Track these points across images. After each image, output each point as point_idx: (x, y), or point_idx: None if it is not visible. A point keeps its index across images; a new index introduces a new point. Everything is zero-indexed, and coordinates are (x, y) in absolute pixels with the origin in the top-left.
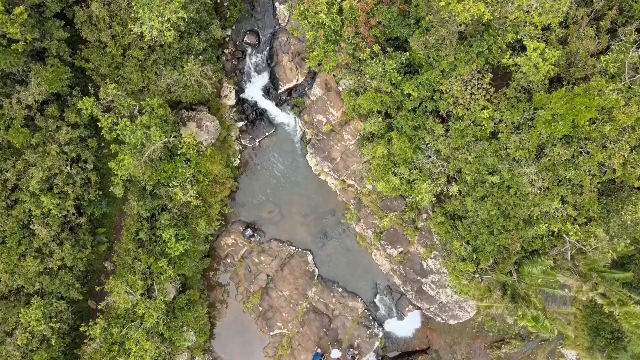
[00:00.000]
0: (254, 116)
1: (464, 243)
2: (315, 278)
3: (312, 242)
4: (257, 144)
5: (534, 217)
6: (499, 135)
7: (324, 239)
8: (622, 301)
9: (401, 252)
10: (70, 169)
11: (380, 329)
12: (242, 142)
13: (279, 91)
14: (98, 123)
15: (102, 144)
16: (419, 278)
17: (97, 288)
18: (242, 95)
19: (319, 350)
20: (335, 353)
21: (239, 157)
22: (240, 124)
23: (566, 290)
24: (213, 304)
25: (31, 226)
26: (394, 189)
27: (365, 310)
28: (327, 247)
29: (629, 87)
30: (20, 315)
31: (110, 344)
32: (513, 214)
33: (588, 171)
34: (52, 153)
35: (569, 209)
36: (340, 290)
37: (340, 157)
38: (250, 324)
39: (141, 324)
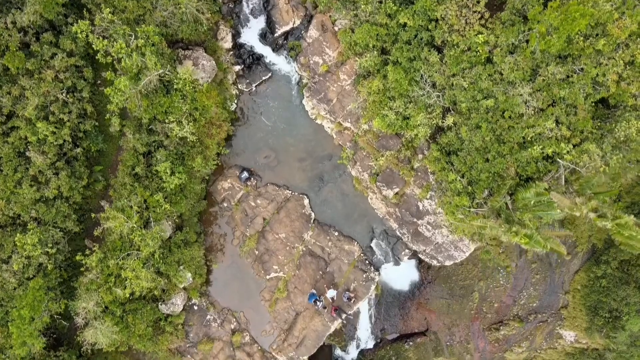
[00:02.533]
0: (250, 61)
1: (459, 177)
2: (312, 222)
3: (308, 187)
4: (254, 88)
5: (528, 139)
6: (494, 59)
7: (320, 184)
8: (615, 215)
9: (397, 193)
10: (66, 97)
11: (377, 273)
12: (239, 87)
13: (276, 35)
14: (94, 47)
15: (99, 81)
16: (415, 220)
17: (92, 215)
18: (238, 40)
19: (314, 291)
20: (331, 293)
21: (235, 101)
22: (237, 68)
23: (558, 210)
24: (210, 249)
25: (27, 153)
26: (390, 125)
27: (362, 254)
28: (324, 191)
29: (623, 1)
30: (15, 239)
31: (106, 276)
32: (507, 138)
33: (582, 90)
34: (48, 79)
35: (563, 129)
36: (336, 234)
37: (337, 98)
38: (246, 268)
39: (137, 255)
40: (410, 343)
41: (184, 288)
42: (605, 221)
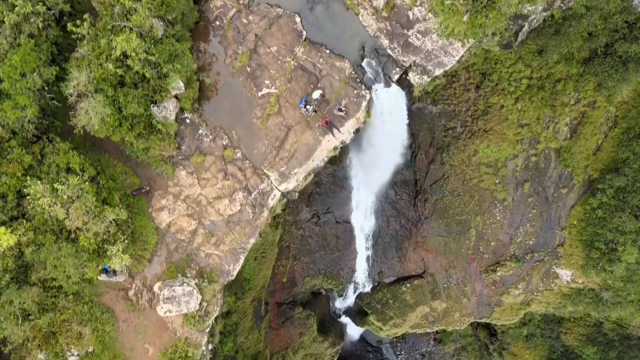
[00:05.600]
0: None
1: None
2: (303, 39)
3: (299, 9)
4: None
5: None
6: None
7: (311, 4)
8: None
9: (387, 3)
10: None
11: (367, 91)
12: None
13: None
14: None
15: None
16: (405, 31)
17: None
18: None
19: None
20: (316, 93)
21: None
22: None
23: None
24: (202, 68)
25: None
26: None
27: (353, 72)
28: (315, 11)
29: None
30: None
31: (98, 54)
32: None
33: None
34: None
35: None
36: (327, 51)
37: None
38: (239, 87)
39: (130, 28)
40: (408, 285)
41: (176, 97)
42: None
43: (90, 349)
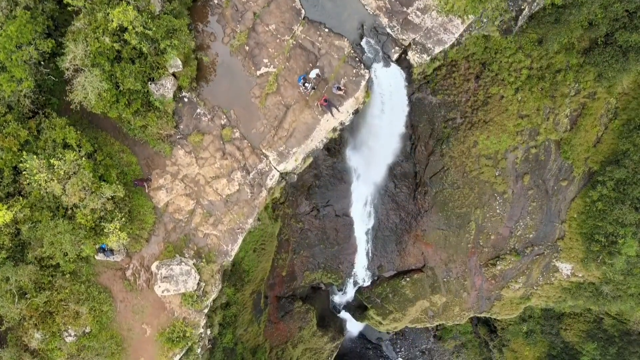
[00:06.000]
0: None
1: None
2: (302, 17)
3: None
4: None
5: None
6: None
7: None
8: None
9: None
10: None
11: (367, 71)
12: None
13: None
14: None
15: None
16: (404, 9)
17: None
18: None
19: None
20: (313, 73)
21: None
22: None
23: None
24: (200, 47)
25: None
26: None
27: (352, 51)
28: None
29: None
30: None
31: (94, 27)
32: None
33: None
34: None
35: None
36: (326, 30)
37: None
38: (237, 67)
39: (128, 2)
40: (407, 279)
41: (174, 75)
42: None
43: (88, 329)
